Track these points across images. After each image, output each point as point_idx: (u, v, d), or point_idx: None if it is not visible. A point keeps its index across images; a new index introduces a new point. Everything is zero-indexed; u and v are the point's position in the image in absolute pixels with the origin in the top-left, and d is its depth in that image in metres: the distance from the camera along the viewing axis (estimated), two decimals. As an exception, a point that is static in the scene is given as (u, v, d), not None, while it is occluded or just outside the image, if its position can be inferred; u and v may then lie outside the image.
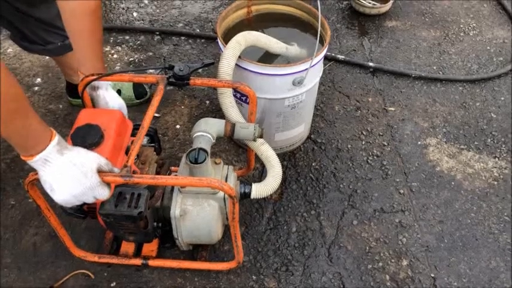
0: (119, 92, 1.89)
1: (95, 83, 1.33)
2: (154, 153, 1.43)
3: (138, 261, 1.44)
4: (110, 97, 1.38)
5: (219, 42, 1.51)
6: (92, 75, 1.38)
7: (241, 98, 1.58)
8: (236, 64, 1.46)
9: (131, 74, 1.35)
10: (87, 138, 1.20)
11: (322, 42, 1.55)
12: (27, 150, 0.97)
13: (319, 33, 1.43)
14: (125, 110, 1.38)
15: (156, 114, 1.91)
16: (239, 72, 1.49)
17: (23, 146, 0.97)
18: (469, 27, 2.38)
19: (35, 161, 0.98)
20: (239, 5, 1.65)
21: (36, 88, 2.01)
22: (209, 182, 1.11)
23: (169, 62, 1.91)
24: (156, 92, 1.31)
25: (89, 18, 1.23)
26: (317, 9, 1.45)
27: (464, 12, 2.47)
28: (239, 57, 1.44)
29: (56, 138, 1.00)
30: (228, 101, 1.42)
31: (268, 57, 1.59)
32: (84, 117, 1.28)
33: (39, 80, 2.04)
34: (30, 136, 0.96)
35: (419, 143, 1.86)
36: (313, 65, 1.47)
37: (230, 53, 1.40)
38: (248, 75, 1.48)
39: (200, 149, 1.27)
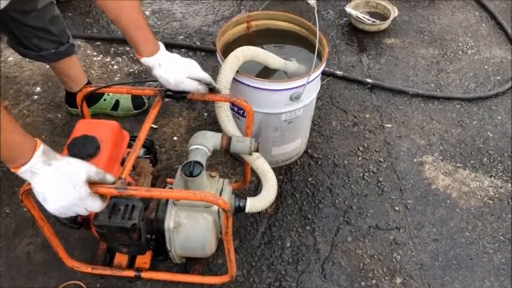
0: (117, 102, 1.90)
1: (148, 64, 1.30)
2: (150, 164, 1.44)
3: (131, 273, 1.44)
4: (165, 72, 1.30)
5: (218, 57, 1.53)
6: (90, 86, 1.40)
7: (239, 111, 1.58)
8: (234, 78, 1.47)
9: (129, 86, 1.36)
10: (84, 149, 1.21)
11: (320, 58, 1.56)
12: (13, 162, 0.97)
13: (316, 48, 1.44)
14: (194, 70, 1.30)
15: (154, 126, 1.92)
16: (237, 87, 1.50)
17: (8, 158, 0.97)
18: (467, 46, 2.40)
19: (22, 173, 0.98)
20: (239, 20, 1.67)
21: (35, 97, 2.02)
22: (203, 196, 1.12)
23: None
24: (154, 104, 1.32)
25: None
26: (316, 25, 1.46)
27: (462, 31, 2.49)
28: (237, 71, 1.45)
29: (41, 148, 0.99)
30: (224, 114, 1.43)
31: (266, 72, 1.60)
32: (81, 128, 1.29)
33: (38, 88, 2.05)
34: (13, 149, 0.96)
35: (415, 160, 1.87)
36: (311, 81, 1.48)
37: (228, 67, 1.42)
38: (246, 89, 1.49)
39: (196, 162, 1.28)
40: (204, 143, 1.34)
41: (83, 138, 1.23)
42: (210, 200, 1.11)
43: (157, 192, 1.11)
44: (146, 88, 1.37)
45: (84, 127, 1.30)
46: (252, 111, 1.36)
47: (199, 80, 1.30)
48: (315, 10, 1.43)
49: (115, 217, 1.23)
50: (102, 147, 1.23)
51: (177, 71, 1.28)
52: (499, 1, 2.69)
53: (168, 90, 1.32)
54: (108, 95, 1.88)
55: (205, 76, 1.30)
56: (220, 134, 1.39)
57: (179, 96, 1.33)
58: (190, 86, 1.29)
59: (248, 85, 1.48)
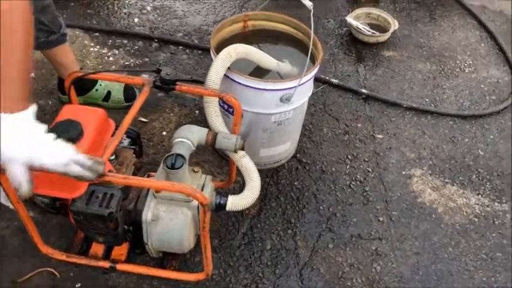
0: (109, 93, 1.89)
1: None
2: (134, 155, 1.42)
3: (106, 264, 1.41)
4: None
5: (212, 53, 1.52)
6: (79, 71, 1.39)
7: (228, 109, 1.57)
8: (226, 76, 1.47)
9: (118, 74, 1.35)
10: (66, 133, 1.19)
11: (314, 62, 1.55)
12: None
13: (310, 50, 1.43)
14: None
15: (144, 120, 1.90)
16: (228, 84, 1.49)
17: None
18: (465, 64, 2.40)
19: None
20: (235, 18, 1.67)
21: (28, 82, 2.00)
22: (181, 188, 1.10)
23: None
24: (141, 93, 1.31)
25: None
26: (310, 27, 1.46)
27: (461, 49, 2.49)
28: (229, 68, 1.44)
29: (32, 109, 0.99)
30: (213, 110, 1.42)
31: (259, 72, 1.59)
32: (66, 113, 1.28)
33: (32, 74, 2.04)
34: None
35: (403, 172, 1.85)
36: (302, 84, 1.47)
37: (220, 63, 1.41)
38: (237, 87, 1.48)
39: (178, 154, 1.26)
40: (188, 137, 1.33)
41: (66, 122, 1.22)
42: (189, 193, 1.10)
43: (134, 180, 1.10)
44: (135, 77, 1.36)
45: (69, 112, 1.28)
46: (240, 108, 1.35)
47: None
48: (311, 12, 1.43)
49: (92, 204, 1.22)
50: (85, 133, 1.22)
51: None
52: (500, 22, 2.70)
53: (157, 80, 1.31)
54: (100, 85, 1.87)
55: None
56: (206, 129, 1.38)
57: (167, 87, 1.32)
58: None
59: (239, 83, 1.47)
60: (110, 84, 1.88)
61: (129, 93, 1.93)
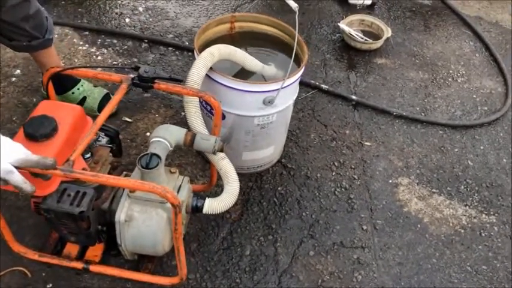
0: (84, 99, 1.83)
1: None
2: (110, 154, 1.39)
3: (79, 265, 1.38)
4: None
5: (195, 53, 1.49)
6: (58, 66, 1.36)
7: (211, 111, 1.55)
8: (208, 76, 1.44)
9: (96, 70, 1.33)
10: (40, 129, 1.17)
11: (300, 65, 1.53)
12: None
13: (294, 53, 1.41)
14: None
15: (129, 119, 1.88)
16: (210, 85, 1.46)
17: None
18: (458, 74, 2.38)
19: None
20: (222, 19, 1.64)
21: (13, 79, 1.98)
22: (151, 187, 1.07)
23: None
24: (118, 90, 1.29)
25: None
26: (295, 28, 1.43)
27: (455, 59, 2.47)
28: (211, 68, 1.42)
29: None
30: (193, 110, 1.39)
31: (244, 75, 1.56)
32: (42, 108, 1.25)
33: (18, 71, 2.02)
34: None
35: (390, 181, 1.82)
36: (286, 86, 1.44)
37: (201, 62, 1.38)
38: (219, 88, 1.46)
39: (153, 154, 1.23)
40: (165, 136, 1.29)
41: (41, 118, 1.19)
42: (158, 192, 1.07)
43: (104, 178, 1.07)
44: (113, 74, 1.33)
45: (45, 107, 1.26)
46: (219, 108, 1.33)
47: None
48: (296, 14, 1.40)
49: (63, 202, 1.19)
50: (59, 129, 1.19)
51: None
52: (495, 33, 2.68)
53: (135, 77, 1.29)
54: (78, 89, 1.82)
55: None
56: (185, 130, 1.35)
57: (145, 85, 1.29)
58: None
59: (221, 83, 1.44)
60: (89, 91, 1.84)
61: (105, 104, 1.87)
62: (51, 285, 1.38)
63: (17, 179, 1.02)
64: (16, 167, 1.01)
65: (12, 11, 1.46)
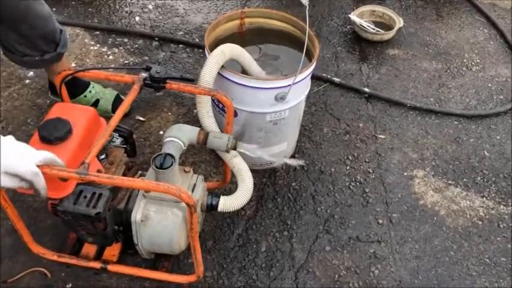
0: (97, 101, 1.84)
1: None
2: (125, 155, 1.40)
3: (97, 265, 1.39)
4: None
5: (206, 51, 1.49)
6: (70, 69, 1.37)
7: (223, 108, 1.54)
8: (219, 74, 1.44)
9: (108, 71, 1.33)
10: (54, 132, 1.17)
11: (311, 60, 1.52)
12: None
13: (305, 48, 1.40)
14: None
15: (142, 118, 1.88)
16: (221, 82, 1.46)
17: None
18: (473, 63, 2.34)
19: None
20: (231, 16, 1.63)
21: (27, 81, 2.00)
22: (166, 188, 1.07)
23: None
24: (131, 91, 1.29)
25: None
26: (309, 25, 1.42)
27: (469, 47, 2.43)
28: (222, 66, 1.41)
29: None
30: (205, 109, 1.39)
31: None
32: (56, 111, 1.26)
33: (31, 73, 2.03)
34: None
35: (405, 173, 1.80)
36: (297, 82, 1.43)
37: (213, 61, 1.38)
38: (231, 86, 1.45)
39: (167, 154, 1.24)
40: (179, 136, 1.30)
41: (55, 121, 1.20)
42: (173, 193, 1.07)
43: (119, 180, 1.07)
44: (125, 75, 1.34)
45: (59, 110, 1.27)
46: (232, 106, 1.32)
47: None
48: (306, 8, 1.39)
49: (80, 204, 1.21)
50: (74, 132, 1.20)
51: None
52: (510, 20, 2.63)
53: (147, 78, 1.29)
54: (90, 92, 1.83)
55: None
56: (198, 129, 1.35)
57: (157, 85, 1.29)
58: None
59: (233, 81, 1.44)
60: (101, 92, 1.85)
61: (118, 105, 1.89)
62: (70, 285, 1.40)
63: (42, 182, 1.01)
64: None
65: (33, 27, 1.47)
